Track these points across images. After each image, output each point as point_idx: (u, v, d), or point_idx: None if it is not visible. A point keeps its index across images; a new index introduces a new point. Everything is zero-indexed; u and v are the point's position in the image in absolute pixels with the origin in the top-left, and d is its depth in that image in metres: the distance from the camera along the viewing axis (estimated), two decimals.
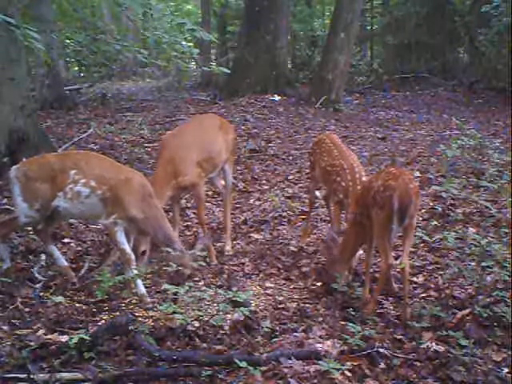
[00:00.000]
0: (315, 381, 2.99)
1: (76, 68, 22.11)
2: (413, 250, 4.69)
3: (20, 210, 4.24)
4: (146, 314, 3.92)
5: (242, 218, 6.16)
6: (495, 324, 3.59)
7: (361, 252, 4.60)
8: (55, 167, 4.23)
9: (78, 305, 4.08)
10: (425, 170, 7.23)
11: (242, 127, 10.37)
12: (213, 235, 5.54)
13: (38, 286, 4.29)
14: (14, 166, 4.32)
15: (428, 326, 3.61)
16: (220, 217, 5.85)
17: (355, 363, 3.16)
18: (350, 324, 3.56)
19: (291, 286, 4.52)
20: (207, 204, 6.47)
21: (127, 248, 4.21)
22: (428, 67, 16.48)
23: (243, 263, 4.97)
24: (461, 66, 16.97)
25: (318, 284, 4.43)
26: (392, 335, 3.56)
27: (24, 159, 4.51)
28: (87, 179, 4.18)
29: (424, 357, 3.26)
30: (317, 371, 3.03)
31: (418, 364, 3.21)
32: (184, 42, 7.46)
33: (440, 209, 5.76)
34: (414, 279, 4.38)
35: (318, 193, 5.57)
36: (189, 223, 6.04)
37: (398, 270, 4.02)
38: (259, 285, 4.54)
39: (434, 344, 3.35)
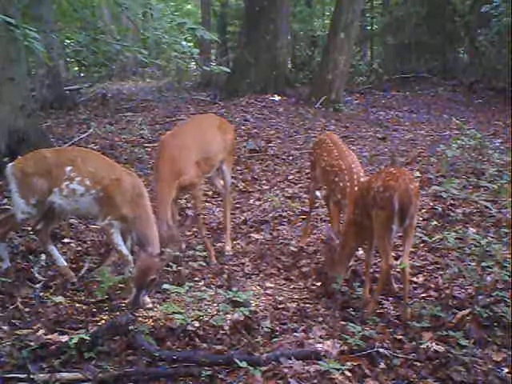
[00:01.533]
0: (315, 381, 2.99)
1: (76, 68, 22.14)
2: (413, 250, 4.69)
3: (17, 207, 4.26)
4: (145, 314, 3.92)
5: (242, 218, 6.16)
6: (495, 324, 3.59)
7: (360, 252, 4.61)
8: (51, 162, 4.26)
9: (78, 305, 4.08)
10: (425, 170, 7.23)
11: (242, 127, 10.37)
12: (213, 235, 5.55)
13: (37, 286, 4.29)
14: (10, 164, 4.34)
15: (428, 326, 3.60)
16: (220, 217, 5.84)
17: (355, 363, 3.15)
18: (350, 324, 3.56)
19: (291, 286, 4.52)
20: (207, 204, 6.48)
21: (124, 249, 4.23)
22: (428, 67, 16.50)
23: (243, 263, 4.97)
24: (461, 66, 16.98)
25: (318, 284, 4.43)
26: (392, 335, 3.56)
27: (19, 157, 4.51)
28: (82, 177, 4.21)
29: (424, 357, 3.26)
30: (317, 371, 3.03)
31: (418, 364, 3.21)
32: (184, 42, 7.45)
33: (440, 209, 5.76)
34: (414, 279, 4.38)
35: (318, 193, 5.57)
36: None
37: (398, 270, 4.02)
38: (259, 285, 4.54)
39: (433, 344, 3.35)
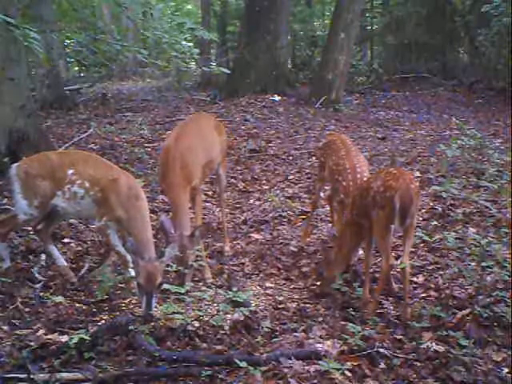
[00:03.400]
0: (315, 381, 2.99)
1: (76, 68, 22.14)
2: (413, 249, 4.69)
3: (19, 208, 4.27)
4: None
5: (242, 218, 6.16)
6: (495, 324, 3.59)
7: (360, 252, 4.61)
8: (55, 164, 4.29)
9: (78, 305, 4.08)
10: (425, 170, 7.23)
11: (242, 127, 10.37)
12: (212, 235, 5.56)
13: (37, 286, 4.29)
14: (15, 164, 4.37)
15: (428, 326, 3.61)
16: (220, 217, 5.84)
17: (355, 363, 3.16)
18: (350, 324, 3.56)
19: (291, 286, 4.52)
20: (207, 204, 6.48)
21: (122, 249, 4.23)
22: (428, 67, 16.48)
23: (243, 263, 4.97)
24: (461, 66, 16.96)
25: (318, 284, 4.43)
26: (392, 335, 3.56)
27: (24, 158, 4.53)
28: (82, 180, 4.24)
29: (424, 357, 3.26)
30: (317, 371, 3.03)
31: (418, 364, 3.21)
32: (184, 42, 7.47)
33: (440, 209, 5.76)
34: (414, 279, 4.38)
35: (321, 193, 5.57)
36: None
37: (398, 270, 4.02)
38: (259, 285, 4.54)
39: (434, 344, 3.35)
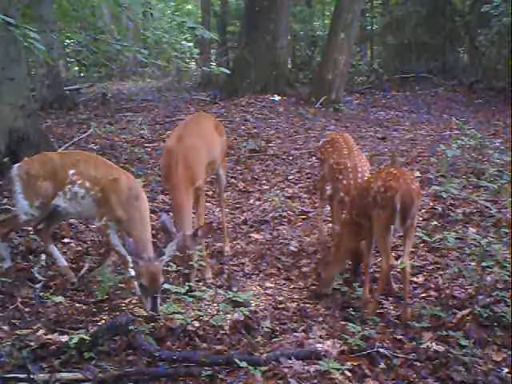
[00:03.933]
0: (315, 381, 2.99)
1: (76, 68, 22.14)
2: (413, 249, 4.69)
3: (20, 208, 4.27)
4: (145, 314, 3.91)
5: (242, 218, 6.16)
6: (495, 324, 3.59)
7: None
8: (56, 165, 4.30)
9: (78, 305, 4.08)
10: (425, 170, 7.23)
11: (242, 127, 10.37)
12: (212, 235, 5.55)
13: (37, 285, 4.30)
14: (16, 164, 4.37)
15: (428, 326, 3.61)
16: (220, 217, 5.84)
17: (355, 363, 3.16)
18: (350, 324, 3.57)
19: (291, 286, 4.53)
20: (207, 204, 6.48)
21: (122, 249, 4.23)
22: (428, 67, 16.48)
23: (243, 263, 4.97)
24: (461, 66, 16.98)
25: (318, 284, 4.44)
26: (392, 335, 3.56)
27: (26, 158, 4.53)
28: (83, 180, 4.24)
29: (424, 357, 3.26)
30: (317, 371, 3.03)
31: (418, 364, 3.21)
32: (184, 42, 7.46)
33: (440, 209, 5.76)
34: (414, 279, 4.38)
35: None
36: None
37: (398, 270, 4.02)
38: (259, 285, 4.54)
39: (434, 344, 3.35)
